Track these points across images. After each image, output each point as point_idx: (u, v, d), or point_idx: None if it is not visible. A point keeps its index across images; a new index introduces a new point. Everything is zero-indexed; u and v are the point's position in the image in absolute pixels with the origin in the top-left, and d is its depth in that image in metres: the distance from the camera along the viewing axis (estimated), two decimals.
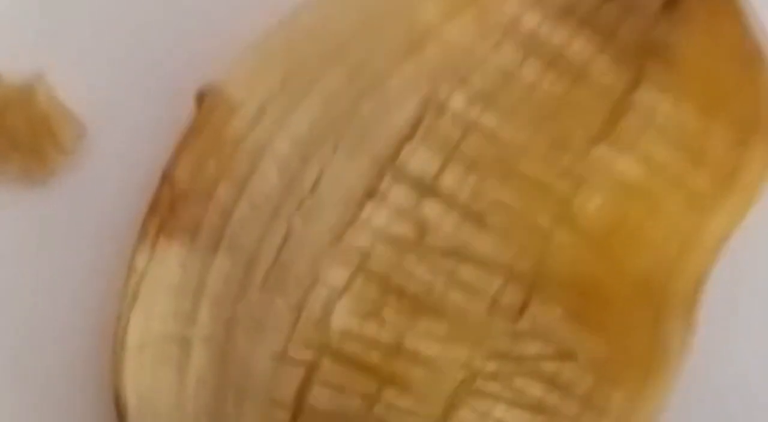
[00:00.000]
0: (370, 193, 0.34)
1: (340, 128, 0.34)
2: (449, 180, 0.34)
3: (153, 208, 0.34)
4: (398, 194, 0.34)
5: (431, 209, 0.34)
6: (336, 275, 0.34)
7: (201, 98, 0.34)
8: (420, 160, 0.34)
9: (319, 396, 0.34)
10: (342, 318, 0.34)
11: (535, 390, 0.34)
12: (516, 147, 0.34)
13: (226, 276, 0.34)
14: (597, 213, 0.34)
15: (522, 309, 0.34)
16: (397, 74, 0.34)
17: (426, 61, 0.34)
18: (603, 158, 0.34)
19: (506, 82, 0.34)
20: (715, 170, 0.34)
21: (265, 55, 0.35)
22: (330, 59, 0.35)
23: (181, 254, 0.34)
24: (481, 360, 0.34)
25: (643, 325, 0.34)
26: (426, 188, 0.34)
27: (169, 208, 0.34)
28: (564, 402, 0.34)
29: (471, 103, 0.34)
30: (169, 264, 0.34)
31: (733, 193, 0.34)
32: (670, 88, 0.34)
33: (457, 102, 0.34)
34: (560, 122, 0.34)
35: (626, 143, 0.34)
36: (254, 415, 0.34)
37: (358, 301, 0.34)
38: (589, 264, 0.34)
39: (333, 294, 0.34)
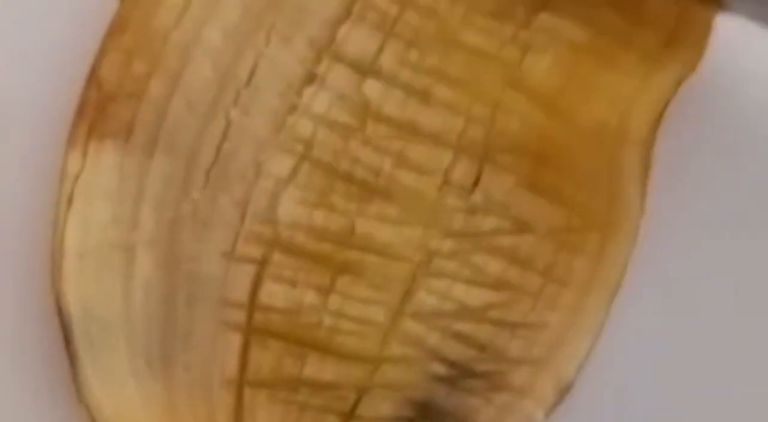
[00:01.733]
0: (309, 79, 0.33)
1: (271, 14, 0.33)
2: (389, 58, 0.33)
3: (81, 110, 0.32)
4: (338, 77, 0.33)
5: (373, 89, 0.33)
6: (280, 165, 0.33)
7: None
8: (357, 40, 0.33)
9: (273, 293, 0.32)
10: (289, 208, 0.33)
11: (494, 266, 0.33)
12: (455, 20, 0.33)
13: (165, 176, 0.32)
14: (546, 74, 0.33)
15: (474, 183, 0.33)
16: None
17: None
18: (547, 25, 0.33)
19: None
20: (658, 29, 0.34)
21: None
22: None
23: (116, 157, 0.32)
24: (436, 240, 0.33)
25: (599, 184, 0.33)
26: (366, 69, 0.33)
27: (98, 110, 0.32)
28: (525, 277, 0.33)
29: None
30: (103, 168, 0.32)
31: (679, 48, 0.34)
32: None
33: None
34: None
35: (567, 10, 0.34)
36: (207, 318, 0.32)
37: (304, 190, 0.33)
38: (541, 123, 0.33)
39: (278, 185, 0.33)
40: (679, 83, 0.33)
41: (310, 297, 0.33)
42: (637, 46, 0.33)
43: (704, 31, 0.34)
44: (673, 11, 0.34)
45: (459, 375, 0.33)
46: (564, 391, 0.33)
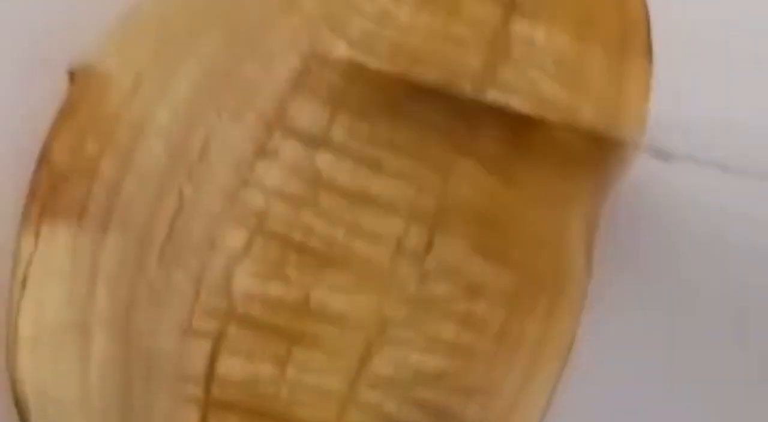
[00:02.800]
0: (261, 153, 0.33)
1: (221, 91, 0.33)
2: (339, 129, 0.33)
3: (33, 191, 0.32)
4: (289, 150, 0.33)
5: (324, 161, 0.33)
6: (233, 238, 0.33)
7: (73, 75, 0.33)
8: (307, 113, 0.33)
9: (230, 366, 0.33)
10: (244, 281, 0.33)
11: (448, 332, 0.33)
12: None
13: (120, 254, 0.33)
14: (494, 144, 0.34)
15: (426, 249, 0.34)
16: (276, 31, 0.33)
17: (304, 13, 0.33)
18: (493, 99, 0.34)
19: (384, 25, 0.34)
20: (599, 100, 0.35)
21: (136, 27, 0.33)
22: (204, 25, 0.33)
23: (69, 237, 0.32)
24: (390, 308, 0.33)
25: (546, 247, 0.34)
26: (317, 140, 0.33)
27: (50, 191, 0.32)
28: (479, 341, 0.34)
29: (352, 50, 0.34)
30: (56, 249, 0.32)
31: (619, 119, 0.35)
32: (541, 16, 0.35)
33: (340, 50, 0.34)
34: (443, 65, 0.34)
35: (511, 84, 0.34)
36: (165, 395, 0.33)
37: (258, 263, 0.33)
38: (491, 188, 0.34)
39: (232, 259, 0.33)
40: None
41: (267, 369, 0.33)
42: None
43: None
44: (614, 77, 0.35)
45: None
46: None
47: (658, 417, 0.36)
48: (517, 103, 0.34)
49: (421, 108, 0.33)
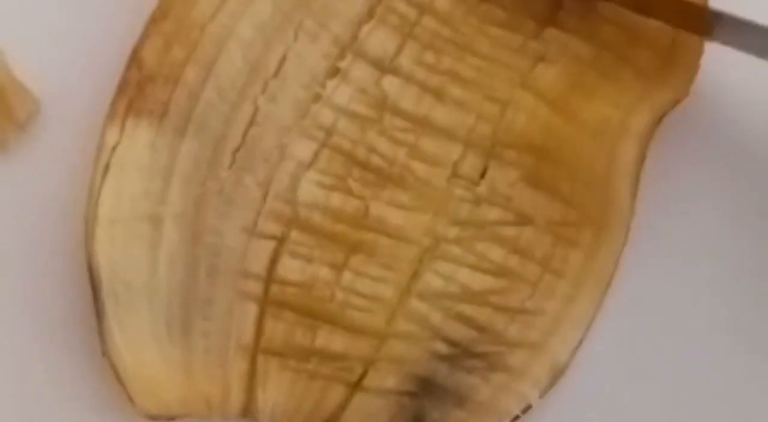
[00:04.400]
0: (332, 72, 0.35)
1: (299, 13, 0.35)
2: (407, 58, 0.35)
3: (122, 88, 0.35)
4: (359, 72, 0.35)
5: (391, 85, 0.35)
6: (302, 150, 0.35)
7: None
8: (378, 40, 0.35)
9: (289, 267, 0.35)
10: (309, 190, 0.35)
11: (496, 254, 0.35)
12: (469, 28, 0.36)
13: (195, 156, 0.35)
14: (553, 80, 0.35)
15: (481, 175, 0.35)
16: None
17: None
18: (554, 38, 0.36)
19: None
20: (655, 49, 0.36)
21: None
22: None
23: (150, 135, 0.35)
24: (443, 227, 0.35)
25: (595, 181, 0.35)
26: (385, 66, 0.35)
27: (138, 89, 0.35)
28: (524, 266, 0.35)
29: None
30: (138, 144, 0.35)
31: (673, 70, 0.37)
32: None
33: None
34: (508, 8, 0.36)
35: (573, 27, 0.36)
36: (227, 289, 0.35)
37: (323, 174, 0.35)
38: (547, 118, 0.35)
39: (299, 169, 0.35)
40: (673, 102, 0.36)
41: (324, 273, 0.35)
42: (635, 64, 0.36)
43: (695, 55, 0.36)
44: (669, 35, 0.36)
45: (460, 354, 0.35)
46: (557, 375, 0.35)
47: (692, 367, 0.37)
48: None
49: (487, 42, 0.36)
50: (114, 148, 0.34)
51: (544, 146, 0.35)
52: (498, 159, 0.35)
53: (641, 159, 0.35)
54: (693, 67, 0.36)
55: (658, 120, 0.35)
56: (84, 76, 0.36)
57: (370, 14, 0.36)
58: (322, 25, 0.35)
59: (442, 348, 0.35)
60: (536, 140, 0.35)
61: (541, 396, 0.35)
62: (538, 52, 0.36)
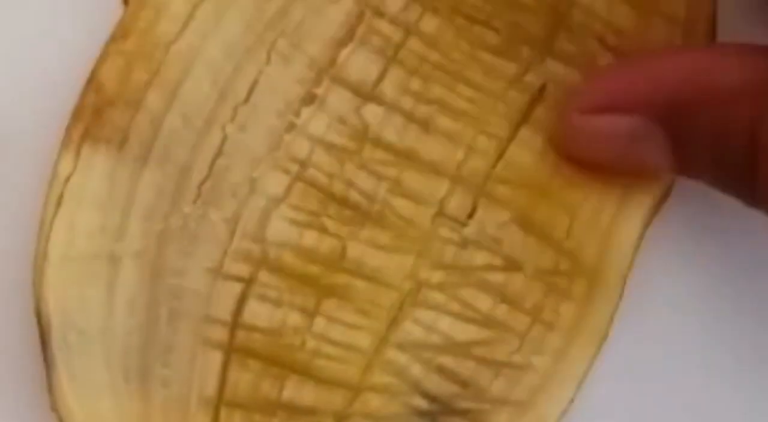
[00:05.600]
0: (308, 99, 0.32)
1: (273, 32, 0.32)
2: (391, 85, 0.32)
3: (77, 113, 0.31)
4: (337, 99, 0.32)
5: (373, 114, 0.32)
6: (273, 183, 0.32)
7: None
8: (359, 64, 0.32)
9: (257, 312, 0.32)
10: (280, 228, 0.32)
11: (482, 302, 0.32)
12: (459, 55, 0.33)
13: (157, 189, 0.32)
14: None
15: (469, 215, 0.33)
16: None
17: None
18: (555, 71, 0.33)
19: None
20: None
21: None
22: None
23: (108, 164, 0.32)
24: (426, 270, 0.32)
25: (599, 226, 0.33)
26: (367, 93, 0.32)
27: (95, 114, 0.31)
28: (512, 316, 0.33)
29: (408, 7, 0.33)
30: (95, 174, 0.32)
31: None
32: None
33: (395, 3, 0.33)
34: (502, 32, 0.33)
35: (571, 53, 0.34)
36: (189, 335, 0.32)
37: (296, 210, 0.32)
38: (546, 157, 0.33)
39: (270, 204, 0.32)
40: None
41: (294, 319, 0.32)
42: None
43: None
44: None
45: (440, 410, 0.32)
46: None
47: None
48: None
49: (480, 70, 0.33)
50: (67, 179, 0.31)
51: (548, 185, 0.33)
52: (488, 197, 0.33)
53: (649, 218, 0.33)
54: None
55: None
56: (36, 100, 0.33)
57: (349, 35, 0.33)
58: (297, 46, 0.32)
59: (421, 403, 0.32)
60: (539, 178, 0.32)
61: None
62: (535, 86, 0.33)
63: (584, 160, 0.32)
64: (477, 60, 0.33)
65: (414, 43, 0.33)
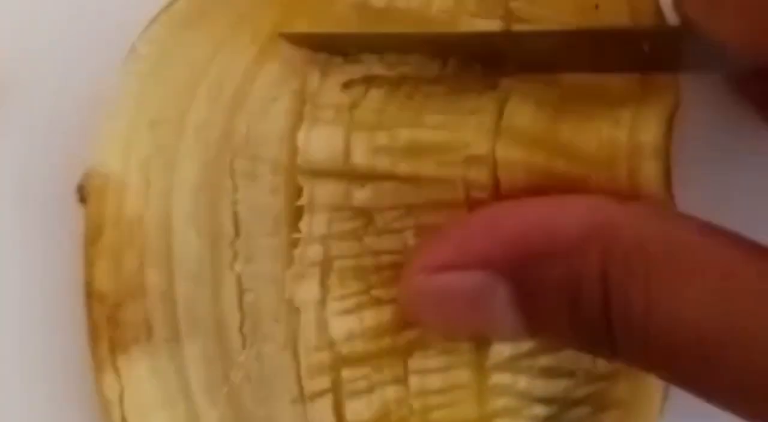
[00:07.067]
0: (296, 214, 0.31)
1: (227, 155, 0.31)
2: (360, 150, 0.31)
3: (94, 330, 0.31)
4: (323, 194, 0.31)
5: (362, 193, 0.31)
6: (307, 290, 0.31)
7: (83, 191, 0.31)
8: (320, 141, 0.31)
9: (357, 408, 0.31)
10: (340, 324, 0.31)
11: None
12: (414, 103, 0.31)
13: (202, 356, 0.31)
14: (530, 118, 0.31)
15: None
16: (259, 78, 0.31)
17: (286, 55, 0.31)
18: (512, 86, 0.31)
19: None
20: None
21: (120, 117, 0.31)
22: (186, 88, 0.31)
23: (147, 361, 0.31)
24: None
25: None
26: (341, 170, 0.31)
27: (111, 323, 0.31)
28: None
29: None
30: (142, 379, 0.31)
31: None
32: None
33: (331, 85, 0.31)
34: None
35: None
36: None
37: (343, 300, 0.31)
38: (545, 165, 0.31)
39: (318, 310, 0.31)
40: (675, 104, 0.31)
41: (391, 393, 0.32)
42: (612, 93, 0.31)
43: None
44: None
45: (561, 408, 0.32)
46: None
47: None
48: None
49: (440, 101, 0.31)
50: (121, 399, 0.31)
51: (553, 190, 0.30)
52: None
53: (667, 169, 0.31)
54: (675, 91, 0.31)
55: (669, 125, 0.31)
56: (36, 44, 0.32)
57: (298, 119, 0.31)
58: (255, 157, 0.31)
59: (541, 410, 0.32)
60: (543, 189, 0.30)
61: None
62: (500, 98, 0.31)
63: (432, 324, 0.30)
64: (433, 100, 0.31)
65: (367, 104, 0.31)
